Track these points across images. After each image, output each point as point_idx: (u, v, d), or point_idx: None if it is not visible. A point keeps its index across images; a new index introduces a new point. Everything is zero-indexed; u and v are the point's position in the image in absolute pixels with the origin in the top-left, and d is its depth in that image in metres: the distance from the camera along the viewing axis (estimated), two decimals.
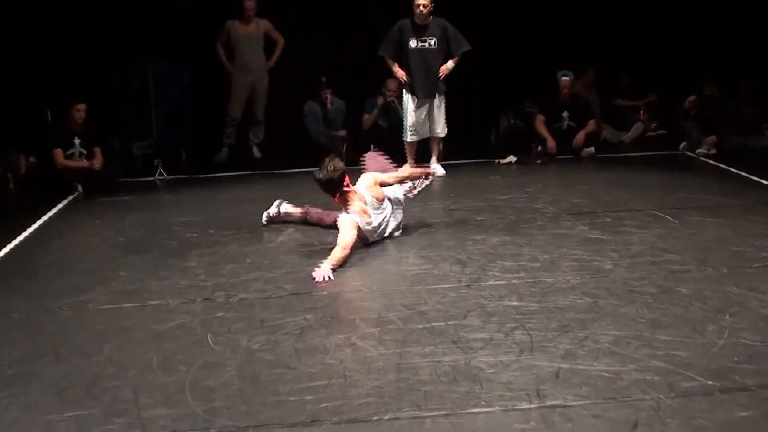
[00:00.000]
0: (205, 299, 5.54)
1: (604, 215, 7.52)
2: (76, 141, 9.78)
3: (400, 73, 9.80)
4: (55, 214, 8.44)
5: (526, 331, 4.75)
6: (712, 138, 10.86)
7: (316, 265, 5.99)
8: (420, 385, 4.09)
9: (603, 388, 4.00)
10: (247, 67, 11.42)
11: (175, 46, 11.78)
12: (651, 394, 3.91)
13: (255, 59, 11.44)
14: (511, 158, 10.72)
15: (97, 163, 9.74)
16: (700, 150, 10.84)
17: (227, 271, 6.18)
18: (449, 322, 4.94)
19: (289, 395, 4.03)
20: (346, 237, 6.30)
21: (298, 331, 4.87)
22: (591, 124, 11.19)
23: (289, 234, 7.22)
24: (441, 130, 9.96)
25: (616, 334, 4.67)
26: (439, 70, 9.72)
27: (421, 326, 4.91)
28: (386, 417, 3.77)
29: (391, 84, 10.91)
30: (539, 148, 10.92)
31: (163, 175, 10.27)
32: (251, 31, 11.33)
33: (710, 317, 4.92)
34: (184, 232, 7.40)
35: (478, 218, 7.55)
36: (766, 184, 8.75)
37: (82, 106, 9.77)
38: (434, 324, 4.92)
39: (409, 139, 9.91)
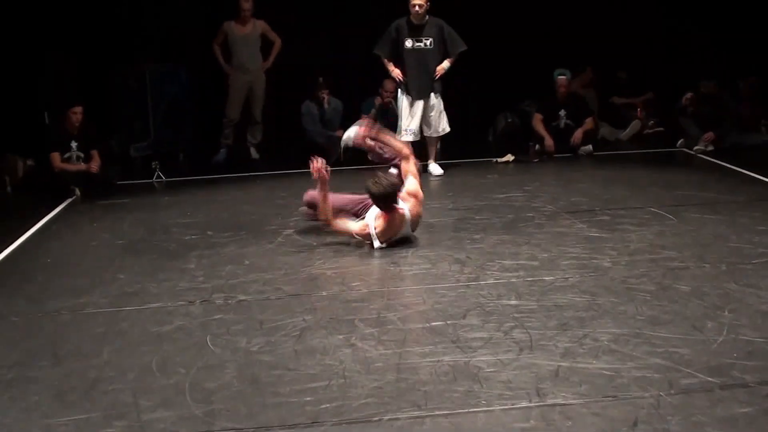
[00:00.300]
0: (204, 301, 5.54)
1: (602, 213, 7.52)
2: (74, 144, 9.77)
3: (396, 72, 9.78)
4: (53, 216, 8.43)
5: (525, 330, 4.75)
6: (710, 135, 10.86)
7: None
8: (420, 384, 4.09)
9: (603, 386, 4.00)
10: (244, 67, 11.41)
11: (173, 47, 11.80)
12: (651, 392, 3.91)
13: (252, 60, 11.43)
14: (509, 157, 10.72)
15: (95, 166, 9.72)
16: (697, 147, 10.84)
17: (226, 272, 6.18)
18: (448, 322, 4.94)
19: (289, 396, 4.03)
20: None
21: (298, 333, 4.87)
22: (588, 123, 11.19)
23: (288, 235, 7.21)
24: (441, 129, 9.94)
25: (616, 332, 4.67)
26: (435, 70, 9.71)
27: (420, 326, 4.91)
28: (386, 417, 3.77)
29: (389, 85, 10.90)
30: (537, 146, 10.92)
31: (161, 177, 10.26)
32: (248, 31, 11.32)
33: (709, 314, 4.92)
34: (182, 234, 7.40)
35: (477, 217, 7.55)
36: (763, 181, 8.75)
37: (78, 109, 9.76)
38: (433, 324, 4.92)
39: (403, 139, 9.87)
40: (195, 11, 12.11)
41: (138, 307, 5.47)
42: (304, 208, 7.22)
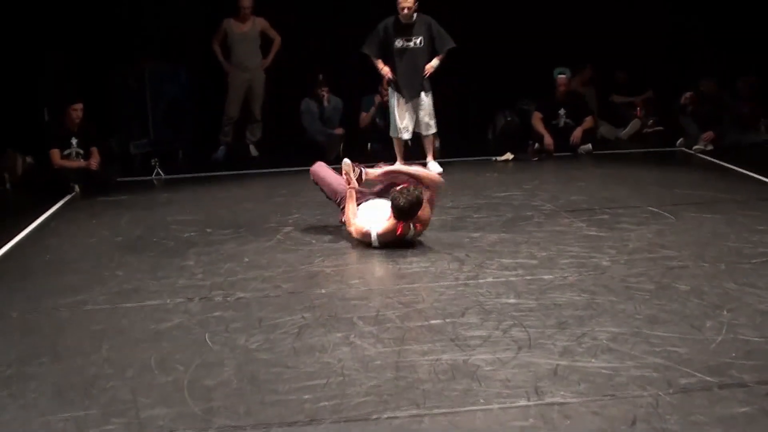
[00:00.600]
0: (203, 298, 5.54)
1: (601, 212, 7.52)
2: (74, 141, 9.76)
3: (385, 71, 9.73)
4: (52, 213, 8.43)
5: (524, 329, 4.75)
6: (709, 134, 10.86)
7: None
8: (418, 383, 4.09)
9: (601, 385, 4.00)
10: (244, 65, 11.41)
11: (173, 46, 11.79)
12: (649, 391, 3.91)
13: (251, 58, 11.44)
14: (509, 155, 10.72)
15: (94, 163, 9.72)
16: (697, 146, 10.84)
17: (225, 270, 6.18)
18: (447, 320, 4.94)
19: (288, 394, 4.03)
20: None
21: (296, 330, 4.87)
22: (588, 121, 11.19)
23: (287, 233, 7.21)
24: (431, 128, 9.90)
25: (614, 331, 4.67)
26: (424, 68, 9.65)
27: (419, 324, 4.91)
28: (385, 415, 3.77)
29: None
30: (536, 145, 10.92)
31: (160, 174, 10.26)
32: (247, 29, 11.33)
33: (708, 313, 4.92)
34: (181, 232, 7.40)
35: (476, 216, 7.55)
36: (763, 180, 8.76)
37: (79, 106, 9.76)
38: (432, 322, 4.92)
39: (399, 137, 9.88)
40: (195, 10, 12.11)
41: (137, 305, 5.47)
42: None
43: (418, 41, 9.59)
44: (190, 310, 5.31)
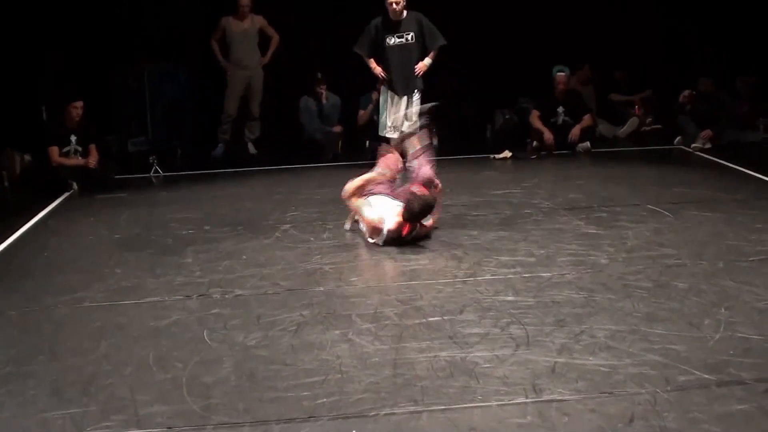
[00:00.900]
0: (201, 296, 5.54)
1: (599, 210, 7.53)
2: (73, 138, 9.76)
3: (378, 70, 9.71)
4: (50, 211, 8.44)
5: (522, 326, 4.75)
6: (708, 132, 10.87)
7: None
8: (416, 380, 4.09)
9: (599, 383, 4.00)
10: (242, 63, 11.42)
11: (173, 44, 11.79)
12: (647, 388, 3.91)
13: (250, 55, 11.44)
14: (507, 154, 10.73)
15: (93, 161, 9.72)
16: (695, 144, 10.85)
17: (223, 267, 6.18)
18: (445, 317, 4.94)
19: (286, 391, 4.03)
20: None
21: (295, 328, 4.87)
22: (586, 119, 11.20)
23: (285, 230, 7.22)
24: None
25: (612, 329, 4.67)
26: (417, 64, 9.63)
27: (417, 321, 4.91)
28: (383, 412, 3.77)
29: None
30: (534, 143, 10.93)
31: (159, 172, 10.26)
32: (246, 27, 11.33)
33: (706, 311, 4.92)
34: (179, 229, 7.40)
35: (474, 213, 7.55)
36: (761, 179, 8.76)
37: (79, 104, 9.76)
38: (430, 319, 4.92)
39: (387, 135, 9.84)
40: (194, 10, 12.10)
41: (135, 302, 5.47)
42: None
43: (409, 37, 9.55)
44: (188, 308, 5.31)
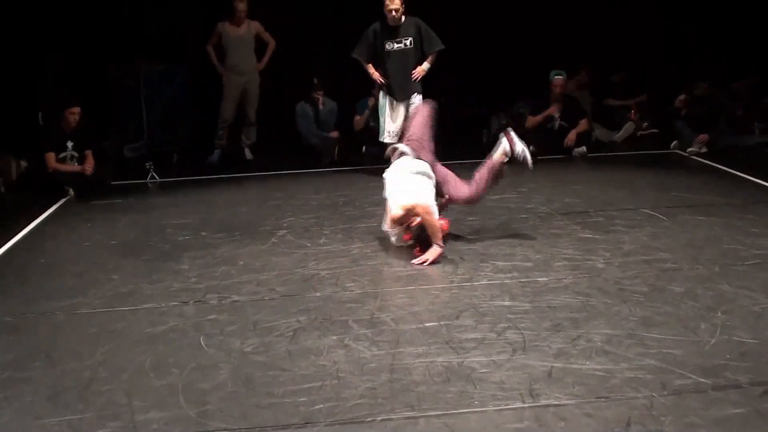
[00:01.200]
0: (198, 302, 5.54)
1: (596, 215, 7.54)
2: (69, 144, 9.74)
3: (376, 75, 9.74)
4: (47, 217, 8.42)
5: (518, 331, 4.76)
6: (704, 137, 10.87)
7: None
8: (413, 385, 4.10)
9: (596, 387, 4.01)
10: (239, 68, 11.40)
11: (171, 45, 11.77)
12: (644, 393, 3.92)
13: (246, 61, 11.43)
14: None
15: (89, 167, 9.70)
16: (691, 149, 10.85)
17: (220, 273, 6.18)
18: (442, 323, 4.95)
19: (283, 397, 4.03)
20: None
21: (291, 333, 4.87)
22: (582, 124, 11.20)
23: (282, 236, 7.22)
24: None
25: (609, 333, 4.68)
26: (416, 69, 9.66)
27: (413, 327, 4.91)
28: (379, 418, 3.78)
29: None
30: (531, 148, 10.90)
31: (155, 177, 10.25)
32: (242, 32, 11.32)
33: (702, 315, 4.94)
34: (176, 235, 7.40)
35: (470, 218, 7.55)
36: (757, 183, 8.77)
37: (76, 109, 9.74)
38: (427, 324, 4.93)
39: (386, 141, 9.87)
40: (192, 12, 12.09)
41: (132, 308, 5.47)
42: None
43: (407, 42, 9.60)
44: (185, 314, 5.32)
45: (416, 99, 9.69)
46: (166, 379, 4.30)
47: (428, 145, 6.94)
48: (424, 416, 3.78)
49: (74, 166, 9.71)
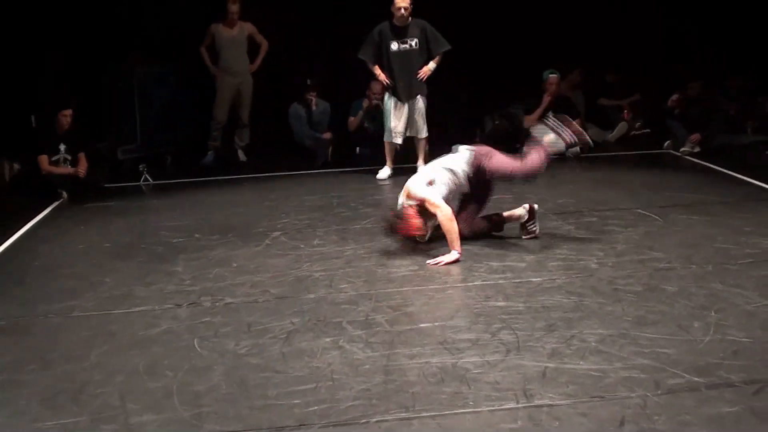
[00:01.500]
0: (192, 304, 5.54)
1: (589, 214, 7.55)
2: (62, 147, 9.73)
3: (382, 77, 9.80)
4: (40, 220, 8.41)
5: (512, 331, 4.77)
6: (697, 136, 10.89)
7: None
8: (407, 386, 4.10)
9: (590, 387, 4.02)
10: (232, 70, 11.41)
11: (165, 48, 11.75)
12: (637, 392, 3.93)
13: (239, 62, 11.44)
14: None
15: (82, 170, 9.69)
16: (684, 148, 10.87)
17: (214, 275, 6.18)
18: (436, 324, 4.96)
19: (277, 399, 4.03)
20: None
21: (285, 335, 4.87)
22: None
23: (276, 238, 7.21)
24: (424, 132, 9.97)
25: (603, 333, 4.69)
26: (422, 69, 9.73)
27: (408, 328, 4.92)
28: (374, 419, 3.78)
29: (376, 86, 10.91)
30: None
31: (149, 180, 10.23)
32: (235, 34, 11.33)
33: (696, 314, 4.94)
34: (170, 237, 7.39)
35: None
36: (750, 182, 8.78)
37: (68, 112, 9.73)
38: (421, 325, 4.94)
39: (391, 141, 9.91)
40: (185, 13, 12.06)
41: (126, 311, 5.47)
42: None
43: (413, 43, 9.65)
44: (179, 316, 5.31)
45: (420, 100, 9.75)
46: (160, 382, 4.30)
47: (498, 156, 6.80)
48: (418, 417, 3.78)
49: (67, 169, 9.71)
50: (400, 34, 9.66)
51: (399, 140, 9.88)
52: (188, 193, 9.67)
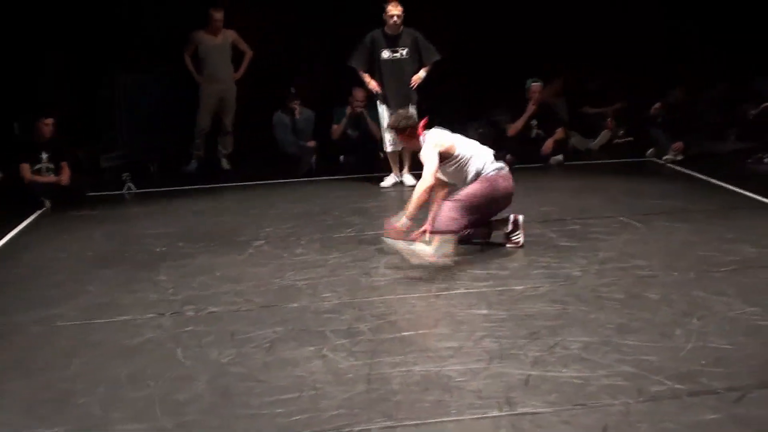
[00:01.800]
0: (175, 313, 5.52)
1: (572, 222, 7.56)
2: (44, 155, 9.69)
3: (373, 84, 9.81)
4: (22, 228, 8.38)
5: (495, 339, 4.77)
6: (679, 144, 10.93)
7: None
8: (390, 395, 4.10)
9: (572, 394, 4.02)
10: (216, 77, 11.40)
11: (148, 56, 11.73)
12: (620, 399, 3.94)
13: (223, 69, 11.43)
14: None
15: (65, 178, 9.66)
16: (667, 156, 10.91)
17: (197, 284, 6.17)
18: (419, 332, 4.96)
19: (260, 408, 4.03)
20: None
21: (268, 344, 4.86)
22: (559, 132, 11.24)
23: (259, 246, 7.21)
24: None
25: (585, 340, 4.70)
26: (411, 79, 9.75)
27: (390, 336, 4.92)
28: (357, 428, 3.78)
29: (358, 94, 10.93)
30: (508, 156, 10.94)
31: (131, 188, 10.20)
32: (218, 41, 11.32)
33: (678, 321, 4.96)
34: (153, 246, 7.37)
35: None
36: (731, 190, 8.82)
37: (50, 121, 9.70)
38: (404, 334, 4.94)
39: (390, 150, 9.92)
40: (168, 21, 12.04)
41: (108, 320, 5.45)
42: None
43: (404, 52, 9.68)
44: (162, 325, 5.30)
45: (411, 108, 9.74)
46: (142, 391, 4.28)
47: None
48: (401, 425, 3.79)
49: (50, 177, 9.67)
50: (392, 43, 9.69)
51: (391, 148, 9.89)
52: (172, 201, 9.65)
